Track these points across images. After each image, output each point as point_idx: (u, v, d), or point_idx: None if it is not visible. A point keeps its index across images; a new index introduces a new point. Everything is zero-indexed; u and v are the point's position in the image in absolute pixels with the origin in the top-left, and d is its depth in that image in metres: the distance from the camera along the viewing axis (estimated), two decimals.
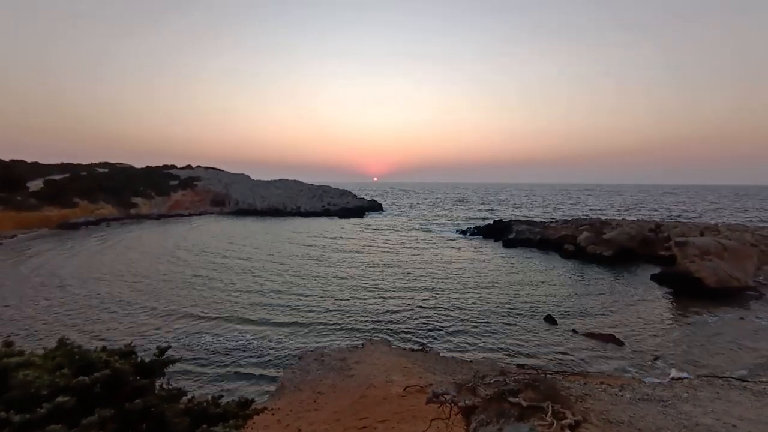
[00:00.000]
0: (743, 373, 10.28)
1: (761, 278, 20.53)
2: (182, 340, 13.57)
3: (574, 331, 14.51)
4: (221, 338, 13.77)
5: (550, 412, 3.64)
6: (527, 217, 55.12)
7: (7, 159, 57.06)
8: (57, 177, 54.18)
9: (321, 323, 15.26)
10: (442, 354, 12.48)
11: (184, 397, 3.94)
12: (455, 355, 12.58)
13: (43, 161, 72.14)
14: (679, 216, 57.47)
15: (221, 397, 4.14)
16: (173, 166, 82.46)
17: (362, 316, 16.03)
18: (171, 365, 4.12)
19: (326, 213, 61.62)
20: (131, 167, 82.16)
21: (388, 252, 30.71)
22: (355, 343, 13.25)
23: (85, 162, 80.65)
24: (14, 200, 40.58)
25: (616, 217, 46.94)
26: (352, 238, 37.89)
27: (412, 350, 12.57)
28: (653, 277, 22.07)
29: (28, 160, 68.66)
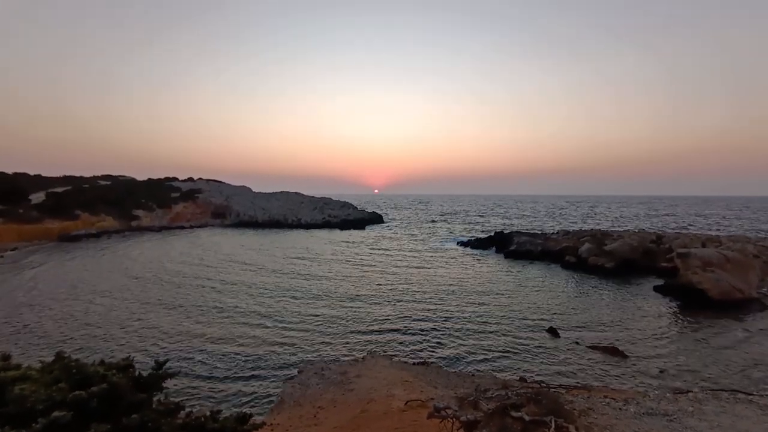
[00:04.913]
0: (749, 386, 10.13)
1: (765, 290, 20.37)
2: (180, 355, 13.43)
3: (577, 343, 14.36)
4: (219, 354, 13.63)
5: (553, 426, 3.59)
6: (528, 228, 55.10)
7: (10, 172, 57.54)
8: (59, 189, 54.50)
9: (321, 337, 15.13)
10: (443, 367, 12.34)
11: (182, 412, 3.89)
12: (457, 368, 12.43)
13: (46, 173, 72.69)
14: (680, 227, 57.35)
15: (219, 412, 4.09)
16: (175, 179, 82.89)
17: (362, 330, 15.89)
18: (169, 379, 4.09)
19: (327, 225, 61.64)
20: (133, 179, 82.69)
21: (388, 264, 30.60)
22: (356, 356, 13.12)
23: (87, 174, 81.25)
24: (16, 213, 40.75)
25: (617, 229, 46.87)
26: (353, 251, 37.82)
27: (414, 364, 12.43)
28: (656, 289, 21.94)
29: (32, 172, 69.20)
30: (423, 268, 29.18)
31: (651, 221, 70.07)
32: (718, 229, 52.57)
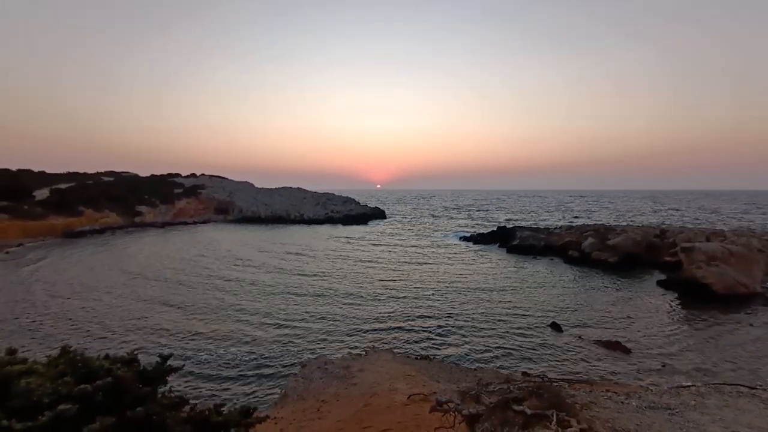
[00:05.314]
0: (752, 380, 10.11)
1: None
2: (184, 350, 13.55)
3: (579, 338, 14.37)
4: (223, 348, 13.74)
5: (554, 420, 3.60)
6: (531, 223, 54.96)
7: (14, 168, 57.78)
8: (63, 186, 54.70)
9: (324, 332, 15.21)
10: (446, 361, 12.38)
11: (186, 406, 3.92)
12: (459, 362, 12.47)
13: (49, 170, 72.90)
14: (685, 222, 57.03)
15: (223, 405, 4.11)
16: (178, 175, 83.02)
17: (365, 324, 15.96)
18: (173, 373, 4.11)
19: (329, 220, 61.67)
20: (136, 176, 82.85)
21: (390, 260, 30.64)
22: (359, 351, 13.18)
23: (91, 171, 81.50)
24: (20, 209, 40.97)
25: (620, 223, 46.66)
26: (355, 246, 37.89)
27: (416, 358, 12.47)
28: (659, 284, 21.88)
29: (35, 169, 69.43)
30: (425, 263, 29.20)
31: (656, 216, 69.72)
32: (725, 224, 52.21)
